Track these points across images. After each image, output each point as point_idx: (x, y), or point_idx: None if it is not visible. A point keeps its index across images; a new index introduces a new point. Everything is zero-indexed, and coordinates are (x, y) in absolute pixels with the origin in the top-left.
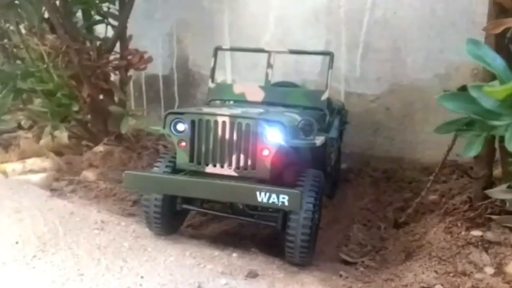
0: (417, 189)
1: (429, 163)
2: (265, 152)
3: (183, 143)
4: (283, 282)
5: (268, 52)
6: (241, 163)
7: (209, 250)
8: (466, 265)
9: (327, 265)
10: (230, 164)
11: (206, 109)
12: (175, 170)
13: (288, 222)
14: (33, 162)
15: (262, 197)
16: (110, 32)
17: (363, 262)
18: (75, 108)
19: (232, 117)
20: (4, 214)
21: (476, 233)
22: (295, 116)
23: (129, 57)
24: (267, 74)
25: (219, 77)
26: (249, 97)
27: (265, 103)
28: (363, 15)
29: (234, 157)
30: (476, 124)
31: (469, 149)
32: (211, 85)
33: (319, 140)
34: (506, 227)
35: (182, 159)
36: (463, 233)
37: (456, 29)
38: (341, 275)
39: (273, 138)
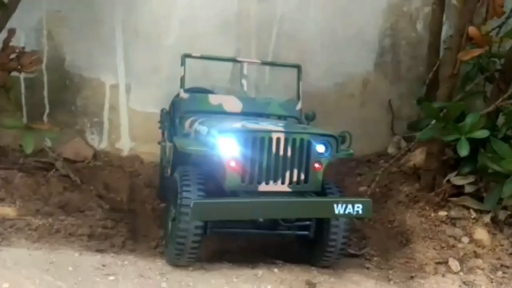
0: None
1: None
2: (317, 165)
3: (233, 163)
4: (341, 285)
5: (241, 62)
6: (294, 178)
7: (247, 270)
8: (448, 239)
9: (342, 261)
10: (283, 180)
11: (252, 126)
12: (211, 193)
13: (330, 229)
14: None
15: (339, 209)
16: None
17: (367, 253)
18: None
19: (287, 133)
20: None
21: (442, 213)
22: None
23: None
24: (242, 84)
25: (107, 81)
26: (227, 108)
27: (244, 113)
28: (272, 27)
29: (287, 173)
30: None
31: (461, 149)
32: (184, 95)
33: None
34: (462, 205)
35: (233, 180)
36: (432, 214)
37: (351, 45)
38: (368, 268)
39: (325, 151)
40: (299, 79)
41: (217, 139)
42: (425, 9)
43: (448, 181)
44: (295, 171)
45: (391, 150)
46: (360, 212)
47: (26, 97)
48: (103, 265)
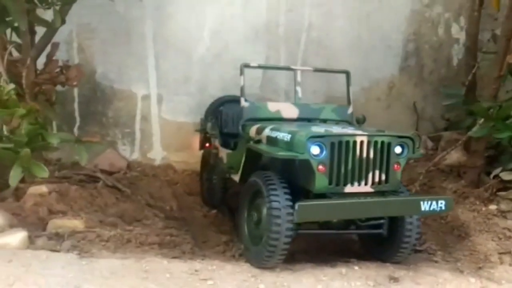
0: None
1: None
2: (396, 166)
3: (322, 167)
4: (423, 279)
5: (294, 70)
6: (376, 179)
7: (330, 269)
8: (503, 230)
9: (410, 257)
10: (366, 181)
11: (337, 130)
12: (297, 197)
13: (405, 226)
14: None
15: (425, 206)
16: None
17: (429, 248)
18: None
19: (370, 136)
20: None
21: (492, 207)
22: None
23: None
24: (296, 92)
25: (139, 91)
26: (285, 115)
27: (300, 119)
28: (301, 35)
29: (370, 174)
30: None
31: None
32: (245, 104)
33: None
34: (509, 199)
35: (322, 182)
36: (483, 209)
37: (376, 51)
38: (436, 261)
39: (402, 152)
40: (348, 84)
41: (306, 144)
42: (446, 15)
43: (495, 176)
44: (377, 172)
45: None
46: (443, 208)
47: (57, 110)
48: (196, 271)
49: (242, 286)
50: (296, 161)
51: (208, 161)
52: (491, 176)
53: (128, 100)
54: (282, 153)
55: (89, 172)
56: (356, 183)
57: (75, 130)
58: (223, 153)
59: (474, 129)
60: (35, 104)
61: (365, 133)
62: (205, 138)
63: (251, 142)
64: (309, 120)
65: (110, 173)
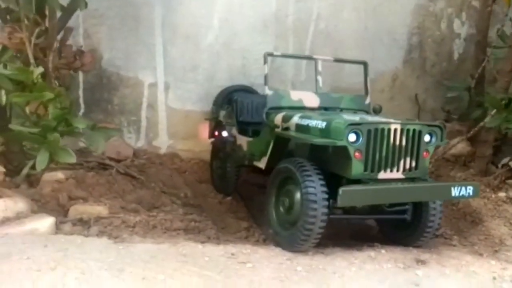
0: None
1: None
2: (425, 153)
3: (358, 153)
4: (447, 262)
5: (315, 59)
6: (407, 166)
7: (358, 253)
8: None
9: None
10: (398, 168)
11: (372, 119)
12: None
13: (429, 211)
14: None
15: (455, 192)
16: None
17: (445, 233)
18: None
19: (403, 124)
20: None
21: (502, 194)
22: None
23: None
24: (317, 81)
25: (146, 79)
26: (307, 103)
27: (322, 108)
28: (309, 25)
29: (402, 161)
30: None
31: None
32: (269, 92)
33: None
34: None
35: (358, 169)
36: (493, 196)
37: (382, 43)
38: (454, 245)
39: (430, 140)
40: (366, 75)
41: (345, 131)
42: (448, 10)
43: (503, 165)
44: (408, 159)
45: None
46: (471, 193)
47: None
48: (232, 254)
49: (280, 269)
50: (329, 148)
51: (220, 150)
52: (500, 165)
53: (135, 87)
54: (319, 140)
55: (98, 159)
56: (388, 170)
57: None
58: (243, 141)
59: (487, 119)
60: (62, 88)
61: (399, 121)
62: (216, 127)
63: (279, 130)
64: (325, 109)
65: (117, 161)
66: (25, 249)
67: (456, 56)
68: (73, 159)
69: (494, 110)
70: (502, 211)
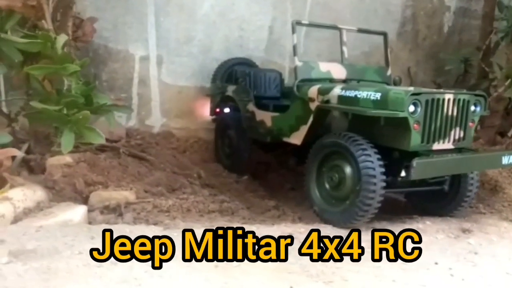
0: None
1: None
2: (471, 124)
3: (417, 125)
4: (488, 229)
5: (340, 29)
6: (456, 136)
7: (404, 225)
8: None
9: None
10: (449, 139)
11: (426, 89)
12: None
13: (468, 181)
14: (18, 197)
15: (505, 160)
16: None
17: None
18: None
19: (455, 94)
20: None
21: None
22: None
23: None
24: (342, 52)
25: (137, 52)
26: (335, 75)
27: (349, 79)
28: None
29: (452, 132)
30: None
31: None
32: (299, 63)
33: None
34: None
35: (416, 140)
36: None
37: (376, 15)
38: (484, 213)
39: (476, 110)
40: (386, 46)
41: (406, 102)
42: None
43: None
44: (457, 130)
45: None
46: None
47: None
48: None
49: None
50: (380, 120)
51: (226, 127)
52: (510, 134)
53: (125, 61)
54: (377, 112)
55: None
56: (441, 141)
57: None
58: (265, 116)
59: (506, 90)
60: (87, 59)
61: (451, 92)
62: (221, 103)
63: (318, 103)
64: (357, 81)
65: (111, 142)
66: (71, 242)
67: (445, 29)
68: (102, 140)
69: (509, 80)
70: None
